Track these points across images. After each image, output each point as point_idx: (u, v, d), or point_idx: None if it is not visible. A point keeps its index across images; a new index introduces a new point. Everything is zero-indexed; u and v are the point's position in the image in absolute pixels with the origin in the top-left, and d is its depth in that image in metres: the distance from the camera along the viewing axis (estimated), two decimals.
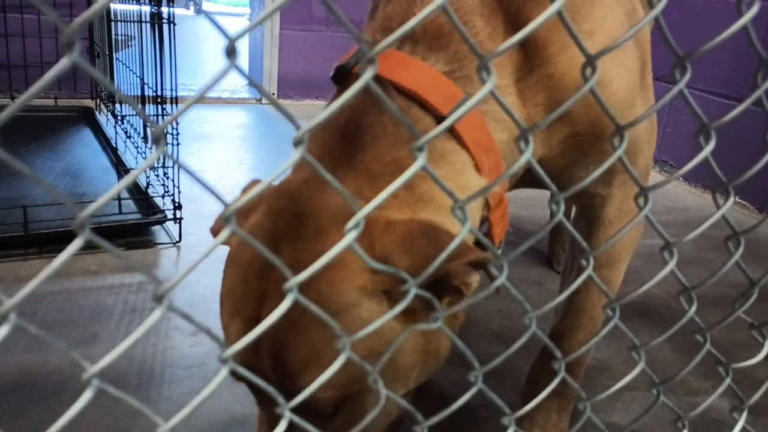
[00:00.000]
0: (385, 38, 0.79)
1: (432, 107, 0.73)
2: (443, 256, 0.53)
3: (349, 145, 0.72)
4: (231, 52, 0.37)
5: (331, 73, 0.82)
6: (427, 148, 0.46)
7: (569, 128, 0.84)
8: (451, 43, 0.76)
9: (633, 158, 0.93)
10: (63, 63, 0.34)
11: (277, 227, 0.66)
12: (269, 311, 0.58)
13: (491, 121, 0.77)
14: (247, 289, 0.65)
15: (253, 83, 0.43)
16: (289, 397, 0.50)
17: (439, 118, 0.73)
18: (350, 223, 0.45)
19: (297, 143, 0.41)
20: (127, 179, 0.38)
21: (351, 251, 0.60)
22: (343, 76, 0.80)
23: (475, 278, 0.65)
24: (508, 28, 0.78)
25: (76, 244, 0.36)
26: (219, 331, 0.75)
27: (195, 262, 0.42)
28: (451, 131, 0.73)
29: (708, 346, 0.67)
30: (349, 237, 0.45)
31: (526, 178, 0.89)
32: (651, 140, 0.97)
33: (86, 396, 0.38)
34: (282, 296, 0.58)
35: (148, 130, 1.98)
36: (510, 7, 0.77)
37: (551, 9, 0.44)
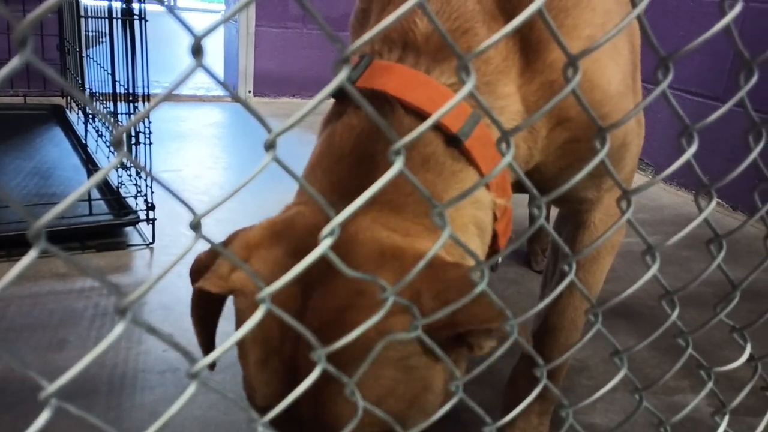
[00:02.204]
0: (385, 48, 0.77)
1: (441, 125, 0.70)
2: (460, 304, 0.53)
3: (361, 175, 0.68)
4: (197, 50, 0.35)
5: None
6: (404, 152, 0.44)
7: (569, 133, 0.83)
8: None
9: (622, 161, 0.92)
10: (14, 62, 0.32)
11: (307, 269, 0.63)
12: (306, 364, 0.58)
13: (497, 134, 0.76)
14: (282, 333, 0.62)
15: (222, 84, 0.40)
16: None
17: (449, 136, 0.71)
18: (325, 230, 0.43)
19: (268, 147, 0.39)
20: (89, 183, 0.36)
21: (380, 296, 0.59)
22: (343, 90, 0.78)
23: (490, 343, 0.64)
24: (511, 34, 0.76)
25: (31, 255, 0.33)
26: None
27: (166, 269, 0.40)
28: (461, 150, 0.71)
29: (690, 350, 0.66)
30: (324, 244, 0.43)
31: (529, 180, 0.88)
32: (639, 143, 0.97)
33: (43, 417, 0.35)
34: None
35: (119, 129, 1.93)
36: (514, 13, 0.76)
37: (533, 6, 0.42)
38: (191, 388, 0.42)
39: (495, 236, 0.77)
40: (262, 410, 0.63)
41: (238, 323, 0.68)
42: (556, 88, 0.77)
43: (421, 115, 0.70)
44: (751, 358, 0.73)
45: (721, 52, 2.59)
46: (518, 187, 0.88)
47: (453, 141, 0.71)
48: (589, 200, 0.95)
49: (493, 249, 0.78)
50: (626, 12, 0.83)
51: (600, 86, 0.81)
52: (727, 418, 0.76)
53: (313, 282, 0.61)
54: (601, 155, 0.51)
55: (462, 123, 0.70)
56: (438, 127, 0.71)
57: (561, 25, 0.79)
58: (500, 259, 0.84)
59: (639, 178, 2.88)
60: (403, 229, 0.65)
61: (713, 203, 0.58)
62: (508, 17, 0.76)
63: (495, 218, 0.77)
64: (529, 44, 0.77)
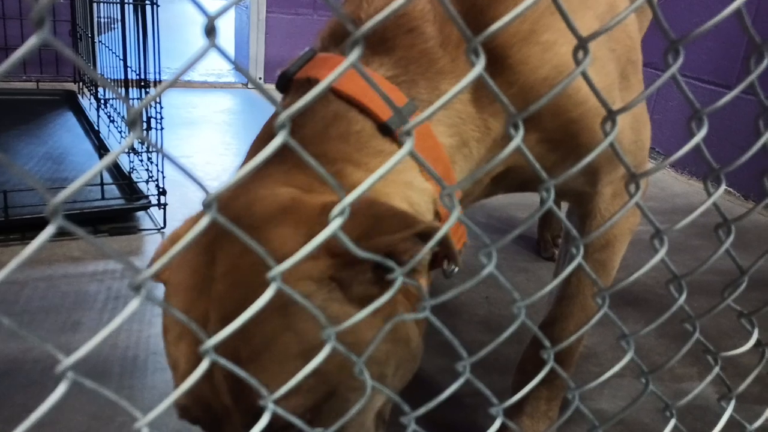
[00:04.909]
0: (332, 42, 0.80)
1: (371, 112, 0.72)
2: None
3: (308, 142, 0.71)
4: (210, 31, 0.35)
5: (275, 82, 0.85)
6: (414, 134, 0.44)
7: (539, 134, 0.82)
8: (396, 48, 0.76)
9: (615, 162, 0.90)
10: (32, 41, 0.32)
11: (210, 237, 0.62)
12: (214, 329, 0.56)
13: (438, 125, 0.76)
14: (189, 309, 0.61)
15: (236, 66, 0.41)
16: (253, 420, 0.48)
17: (379, 124, 0.72)
18: (335, 210, 0.43)
19: (279, 127, 0.39)
20: (102, 163, 0.37)
21: (288, 244, 0.58)
22: (287, 84, 0.83)
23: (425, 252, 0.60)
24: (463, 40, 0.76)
25: (48, 231, 0.34)
26: None
27: (183, 245, 0.40)
28: (393, 138, 0.72)
29: (697, 335, 0.67)
30: (334, 224, 0.44)
31: (504, 182, 0.87)
32: (639, 142, 0.94)
33: (60, 389, 0.36)
34: (225, 309, 0.58)
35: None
36: (470, 12, 0.75)
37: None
38: (204, 363, 0.43)
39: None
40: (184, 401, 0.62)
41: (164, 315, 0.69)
42: (516, 90, 0.77)
43: (351, 102, 0.72)
44: (758, 343, 0.74)
45: (735, 40, 2.57)
46: (501, 185, 0.88)
47: (384, 130, 0.72)
48: (588, 194, 0.95)
49: (443, 254, 0.71)
50: (597, 10, 0.82)
51: (565, 93, 0.79)
52: (733, 403, 0.77)
53: (218, 247, 0.61)
54: (604, 144, 0.51)
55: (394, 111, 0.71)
56: (369, 115, 0.72)
57: (518, 30, 0.77)
58: (455, 268, 0.75)
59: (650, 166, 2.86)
60: (306, 185, 0.66)
61: (722, 188, 0.58)
62: (467, 17, 0.74)
63: (439, 217, 0.75)
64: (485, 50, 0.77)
